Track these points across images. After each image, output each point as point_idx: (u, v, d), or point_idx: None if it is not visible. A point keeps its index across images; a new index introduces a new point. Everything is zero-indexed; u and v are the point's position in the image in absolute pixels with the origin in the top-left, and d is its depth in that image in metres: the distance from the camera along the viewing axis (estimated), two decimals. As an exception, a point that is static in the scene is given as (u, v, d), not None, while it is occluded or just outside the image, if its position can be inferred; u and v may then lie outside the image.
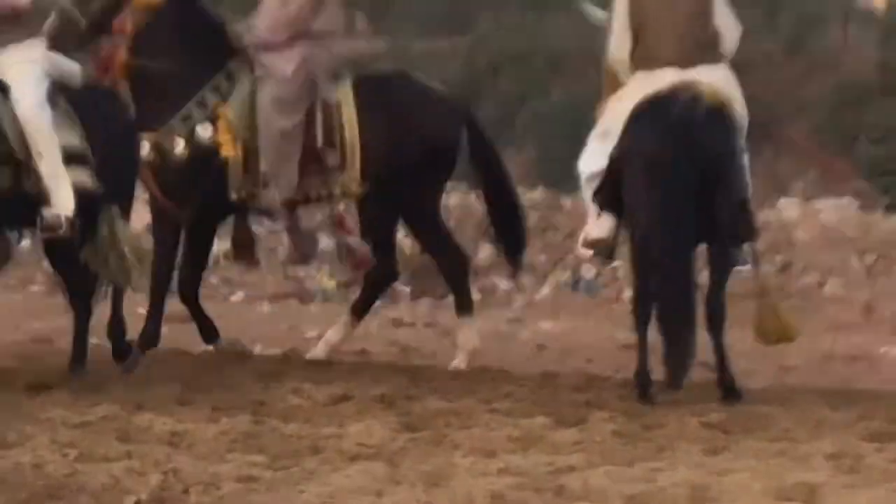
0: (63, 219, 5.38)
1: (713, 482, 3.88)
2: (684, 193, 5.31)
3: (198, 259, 6.47)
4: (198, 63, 6.18)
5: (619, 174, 5.44)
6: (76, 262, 5.69)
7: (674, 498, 3.74)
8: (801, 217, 11.27)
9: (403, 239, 7.52)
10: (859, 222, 11.30)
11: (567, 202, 11.09)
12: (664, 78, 5.46)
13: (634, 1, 5.54)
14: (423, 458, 4.30)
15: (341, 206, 6.68)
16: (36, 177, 5.41)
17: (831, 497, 3.73)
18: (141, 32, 6.06)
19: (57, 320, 6.92)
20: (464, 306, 6.49)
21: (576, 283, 10.59)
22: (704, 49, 5.58)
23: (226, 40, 6.29)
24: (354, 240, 6.58)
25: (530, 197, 10.85)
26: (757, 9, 23.77)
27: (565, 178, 8.59)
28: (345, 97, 6.27)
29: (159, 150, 6.07)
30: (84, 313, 5.87)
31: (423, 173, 6.37)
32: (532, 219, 9.19)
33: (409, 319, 9.07)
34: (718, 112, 5.42)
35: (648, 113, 5.39)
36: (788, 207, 11.90)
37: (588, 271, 10.38)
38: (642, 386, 5.38)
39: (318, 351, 6.58)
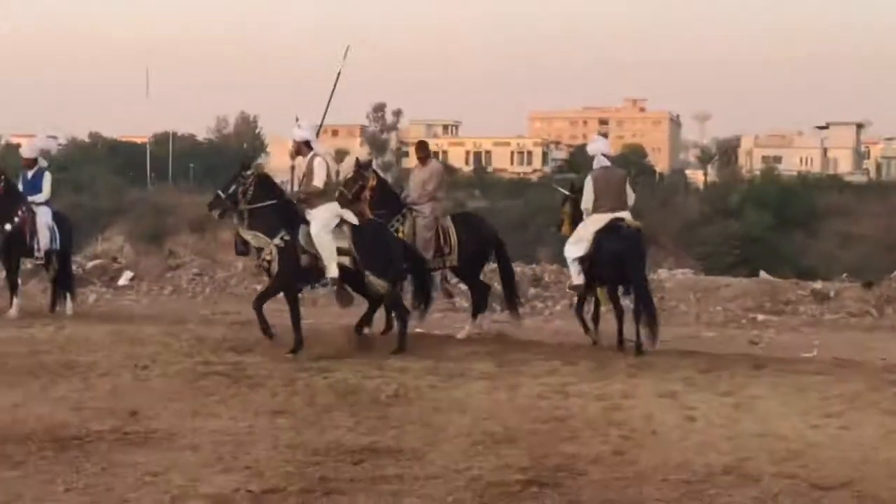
0: (332, 280, 12.16)
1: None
2: (622, 266, 12.47)
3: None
4: (391, 209, 13.38)
5: (592, 259, 12.57)
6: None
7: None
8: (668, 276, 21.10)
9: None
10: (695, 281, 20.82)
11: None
12: (607, 216, 12.56)
13: (595, 182, 12.80)
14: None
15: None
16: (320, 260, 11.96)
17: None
18: (371, 197, 13.18)
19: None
20: (480, 308, 14.10)
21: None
22: (623, 203, 12.78)
23: (400, 199, 13.73)
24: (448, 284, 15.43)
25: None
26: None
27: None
28: (450, 223, 13.66)
29: None
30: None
31: (479, 257, 13.99)
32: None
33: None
34: (638, 231, 12.84)
35: (611, 231, 12.49)
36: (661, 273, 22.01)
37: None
38: (620, 343, 12.62)
39: (462, 334, 13.60)
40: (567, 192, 13.73)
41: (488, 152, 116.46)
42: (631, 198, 12.92)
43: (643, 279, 12.92)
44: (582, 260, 12.63)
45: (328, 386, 9.87)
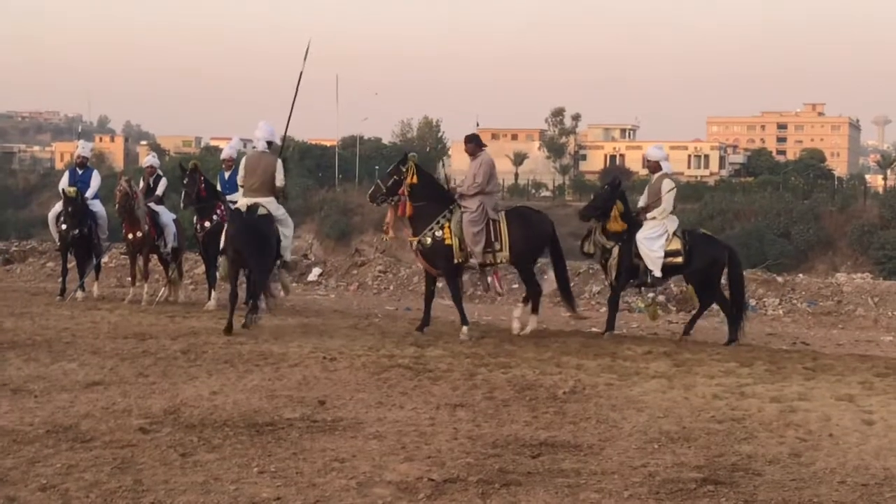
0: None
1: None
2: None
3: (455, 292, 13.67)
4: (438, 204, 13.47)
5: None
6: None
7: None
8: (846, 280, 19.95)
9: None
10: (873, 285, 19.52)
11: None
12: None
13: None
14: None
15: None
16: None
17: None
18: (411, 193, 13.36)
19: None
20: (535, 309, 13.90)
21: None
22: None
23: (448, 193, 13.76)
24: (493, 279, 14.33)
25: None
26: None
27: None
28: (502, 218, 13.54)
29: (421, 242, 13.40)
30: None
31: (533, 252, 13.88)
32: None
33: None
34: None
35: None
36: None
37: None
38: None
39: (515, 326, 13.81)
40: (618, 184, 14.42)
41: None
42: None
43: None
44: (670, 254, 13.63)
45: (507, 381, 10.09)
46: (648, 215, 13.86)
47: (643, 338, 14.07)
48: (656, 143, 14.97)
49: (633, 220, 13.81)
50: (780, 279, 19.75)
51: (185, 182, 16.22)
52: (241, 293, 13.91)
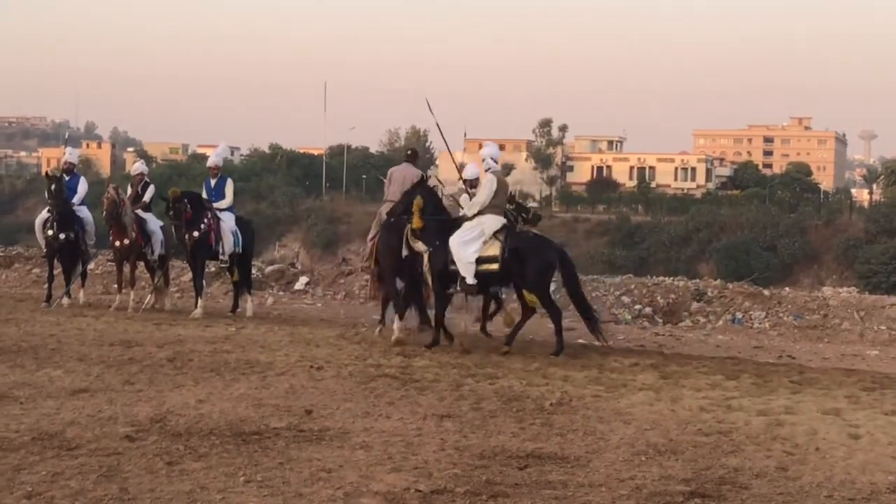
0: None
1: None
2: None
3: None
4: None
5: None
6: None
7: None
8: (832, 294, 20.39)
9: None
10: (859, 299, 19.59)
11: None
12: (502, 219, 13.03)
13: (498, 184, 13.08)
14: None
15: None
16: None
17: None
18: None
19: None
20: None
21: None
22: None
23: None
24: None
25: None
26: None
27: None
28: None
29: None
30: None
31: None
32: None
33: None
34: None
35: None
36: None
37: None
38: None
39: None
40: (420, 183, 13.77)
41: (652, 168, 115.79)
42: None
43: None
44: (482, 261, 12.68)
45: (494, 392, 10.09)
46: (461, 212, 13.31)
47: (630, 350, 14.08)
48: (491, 142, 14.32)
49: (444, 222, 13.18)
50: (766, 292, 19.82)
51: (171, 214, 16.24)
52: None
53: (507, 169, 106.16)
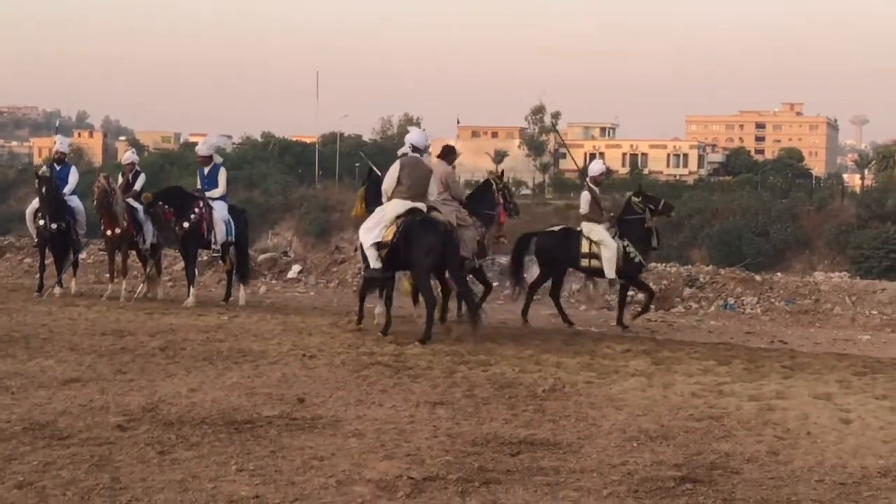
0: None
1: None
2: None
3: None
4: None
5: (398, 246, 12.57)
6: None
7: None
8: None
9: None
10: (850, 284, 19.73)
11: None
12: (408, 204, 12.72)
13: (401, 168, 12.83)
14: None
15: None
16: None
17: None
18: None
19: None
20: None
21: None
22: (423, 195, 12.89)
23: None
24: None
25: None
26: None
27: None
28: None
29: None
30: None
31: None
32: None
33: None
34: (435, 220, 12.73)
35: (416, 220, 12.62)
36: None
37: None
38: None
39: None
40: (368, 174, 14.13)
41: (644, 154, 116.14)
42: (458, 195, 13.92)
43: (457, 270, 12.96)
44: (381, 246, 12.70)
45: (486, 379, 10.10)
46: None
47: (622, 336, 14.10)
48: (417, 129, 14.24)
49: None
50: (758, 278, 19.83)
51: (151, 221, 16.26)
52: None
53: (501, 155, 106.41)
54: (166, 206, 16.05)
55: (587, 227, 15.20)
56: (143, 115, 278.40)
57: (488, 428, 8.09)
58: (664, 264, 21.12)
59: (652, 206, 15.21)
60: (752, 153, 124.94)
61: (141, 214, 17.05)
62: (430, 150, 13.80)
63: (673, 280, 19.57)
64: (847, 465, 7.25)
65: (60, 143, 18.49)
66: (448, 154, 14.88)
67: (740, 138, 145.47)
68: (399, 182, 12.88)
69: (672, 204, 16.27)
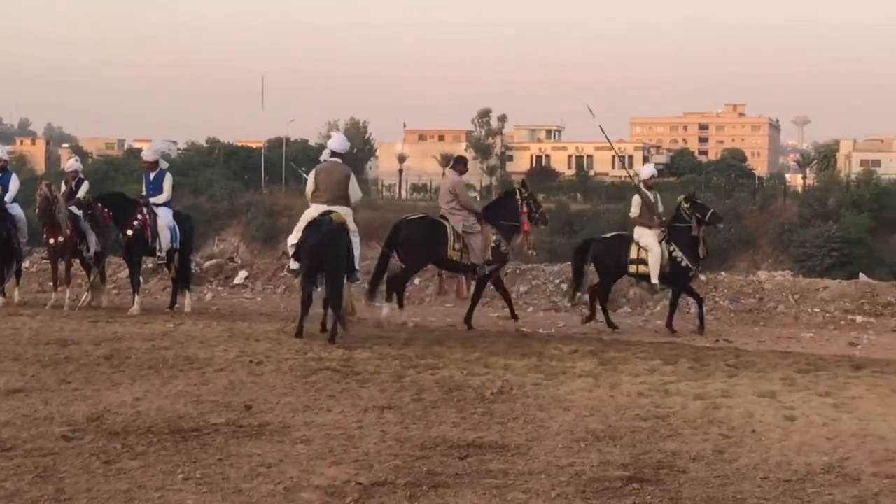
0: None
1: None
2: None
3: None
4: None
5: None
6: None
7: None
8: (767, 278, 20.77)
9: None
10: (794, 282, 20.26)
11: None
12: (322, 207, 13.00)
13: (317, 173, 13.31)
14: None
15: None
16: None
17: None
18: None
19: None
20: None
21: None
22: (342, 198, 13.14)
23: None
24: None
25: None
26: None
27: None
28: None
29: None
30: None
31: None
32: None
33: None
34: (340, 226, 12.85)
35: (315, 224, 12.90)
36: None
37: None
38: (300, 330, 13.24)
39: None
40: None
41: (590, 156, 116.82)
42: (356, 197, 13.53)
43: (335, 270, 12.93)
44: (296, 248, 13.26)
45: (435, 382, 10.11)
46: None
47: (570, 337, 14.17)
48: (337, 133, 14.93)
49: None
50: (702, 277, 19.99)
51: (90, 223, 16.11)
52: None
53: (448, 159, 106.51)
54: (105, 209, 15.92)
55: (637, 232, 15.36)
56: (87, 121, 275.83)
57: (437, 432, 8.10)
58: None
59: (699, 215, 15.19)
60: (696, 154, 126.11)
61: (84, 222, 16.88)
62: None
63: (619, 280, 19.68)
64: (791, 462, 7.33)
65: (0, 151, 18.27)
66: (458, 164, 15.45)
67: (684, 139, 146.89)
68: (316, 187, 13.36)
69: (720, 215, 16.18)
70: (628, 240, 15.46)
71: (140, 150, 78.27)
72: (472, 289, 15.18)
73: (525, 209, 15.22)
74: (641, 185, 15.74)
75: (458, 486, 6.65)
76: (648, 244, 15.09)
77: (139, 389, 9.59)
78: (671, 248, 15.06)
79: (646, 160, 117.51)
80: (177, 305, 16.73)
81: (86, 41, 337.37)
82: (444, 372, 10.67)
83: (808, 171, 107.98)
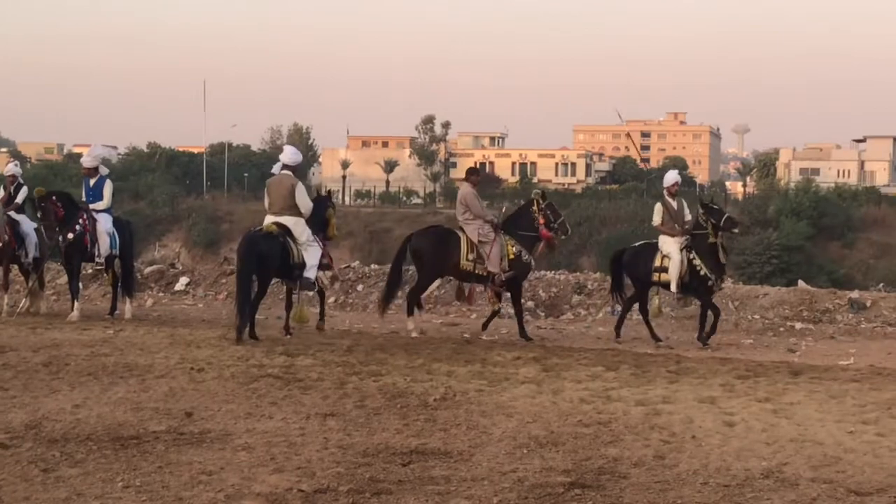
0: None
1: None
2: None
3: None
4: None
5: None
6: None
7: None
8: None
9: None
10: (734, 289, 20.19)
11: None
12: (273, 218, 13.96)
13: (269, 186, 14.20)
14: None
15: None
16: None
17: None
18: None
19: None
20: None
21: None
22: (290, 208, 13.93)
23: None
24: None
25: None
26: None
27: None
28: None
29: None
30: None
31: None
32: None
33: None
34: (270, 234, 13.74)
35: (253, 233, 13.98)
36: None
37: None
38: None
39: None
40: None
41: (533, 163, 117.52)
42: (305, 207, 14.12)
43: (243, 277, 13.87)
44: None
45: (378, 389, 10.10)
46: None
47: (513, 343, 14.22)
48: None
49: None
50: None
51: (40, 215, 15.87)
52: None
53: (392, 165, 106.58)
54: (59, 203, 15.72)
55: (661, 241, 15.25)
56: (26, 125, 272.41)
57: (379, 438, 8.10)
58: (553, 272, 21.33)
59: (713, 221, 15.07)
60: (638, 162, 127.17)
61: (23, 227, 16.67)
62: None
63: (562, 287, 19.80)
64: (731, 467, 7.41)
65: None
66: (471, 175, 15.67)
67: (626, 147, 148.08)
68: (269, 199, 14.24)
69: (736, 220, 15.87)
70: (653, 248, 15.40)
71: (80, 154, 77.52)
72: (493, 297, 15.14)
73: (542, 220, 15.16)
74: (665, 193, 15.69)
75: (401, 493, 6.66)
76: (670, 252, 15.03)
77: (78, 396, 9.48)
78: (691, 256, 14.95)
79: (588, 168, 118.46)
80: (117, 312, 16.56)
81: (21, 41, 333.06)
82: (386, 378, 10.67)
83: (748, 179, 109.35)
